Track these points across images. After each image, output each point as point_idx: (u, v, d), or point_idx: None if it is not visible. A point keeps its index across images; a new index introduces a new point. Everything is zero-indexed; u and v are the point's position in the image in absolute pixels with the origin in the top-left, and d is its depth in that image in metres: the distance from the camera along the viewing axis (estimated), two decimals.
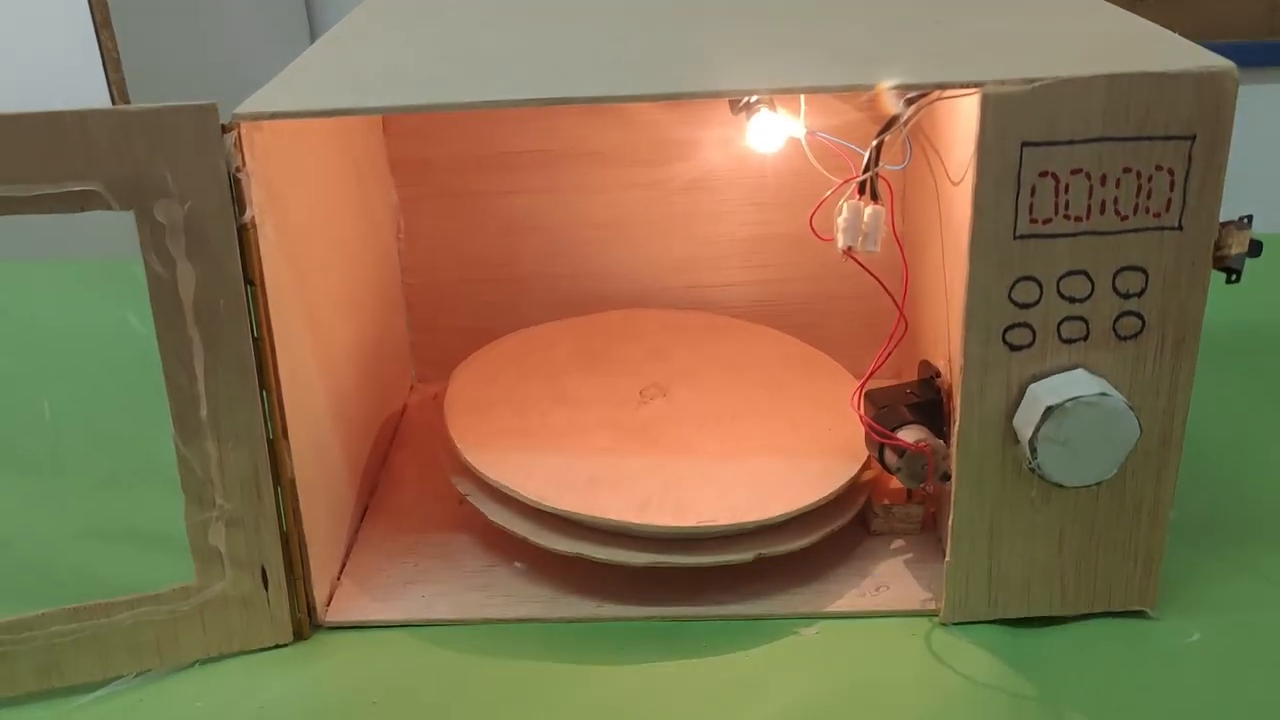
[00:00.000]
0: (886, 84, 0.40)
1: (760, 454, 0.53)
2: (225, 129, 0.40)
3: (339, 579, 0.52)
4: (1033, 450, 0.43)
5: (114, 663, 0.46)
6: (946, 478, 0.47)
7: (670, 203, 0.64)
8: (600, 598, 0.50)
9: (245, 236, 0.41)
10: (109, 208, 0.39)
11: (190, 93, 0.38)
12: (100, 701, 0.45)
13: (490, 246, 0.65)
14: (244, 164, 0.40)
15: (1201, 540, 0.52)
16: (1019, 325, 0.43)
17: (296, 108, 0.41)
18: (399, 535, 0.55)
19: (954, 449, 0.45)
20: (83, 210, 0.39)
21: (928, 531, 0.53)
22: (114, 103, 1.28)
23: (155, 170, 0.39)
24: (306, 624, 0.48)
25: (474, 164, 0.63)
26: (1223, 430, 0.61)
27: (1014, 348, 0.43)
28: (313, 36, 1.78)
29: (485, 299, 0.66)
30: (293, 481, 0.46)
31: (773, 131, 0.50)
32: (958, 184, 0.47)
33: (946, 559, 0.47)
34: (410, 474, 0.60)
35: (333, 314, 0.53)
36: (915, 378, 0.52)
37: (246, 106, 0.41)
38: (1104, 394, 0.42)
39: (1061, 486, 0.44)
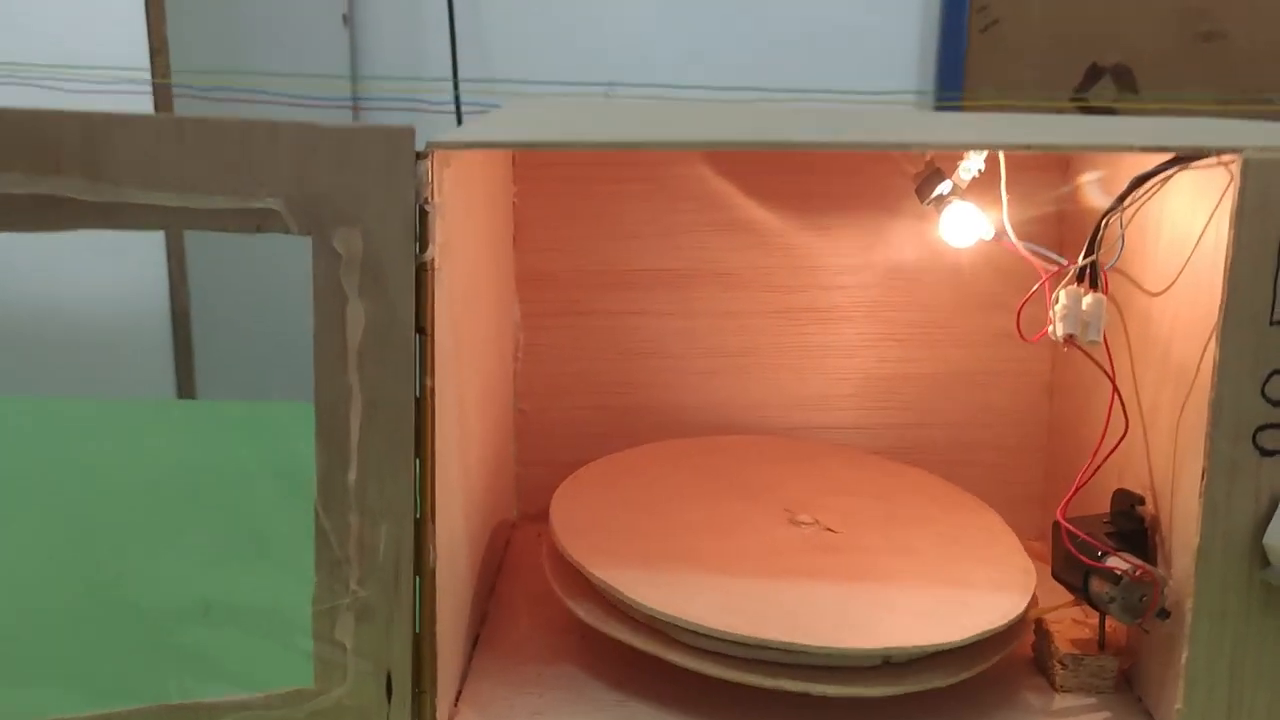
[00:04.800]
0: (1138, 146, 0.37)
1: (922, 583, 0.47)
2: (419, 156, 0.36)
3: (456, 705, 0.45)
4: None
5: None
6: (1166, 614, 0.42)
7: (804, 333, 0.61)
8: None
9: (423, 278, 0.37)
10: (286, 230, 0.35)
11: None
12: None
13: (608, 371, 0.61)
14: (433, 196, 0.37)
15: None
16: (1273, 426, 0.38)
17: (491, 139, 0.38)
18: (517, 666, 0.48)
19: (1189, 574, 0.40)
20: (258, 230, 0.35)
21: (1120, 691, 0.47)
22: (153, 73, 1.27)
23: (340, 194, 0.36)
24: None
25: (599, 281, 0.60)
26: None
27: (1265, 452, 0.39)
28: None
29: (596, 429, 0.61)
30: (434, 573, 0.40)
31: (969, 221, 0.46)
32: (1159, 293, 0.44)
33: (1178, 706, 0.41)
34: (521, 605, 0.53)
35: (474, 400, 0.48)
36: (1110, 509, 0.47)
37: (442, 136, 0.37)
38: None
39: None
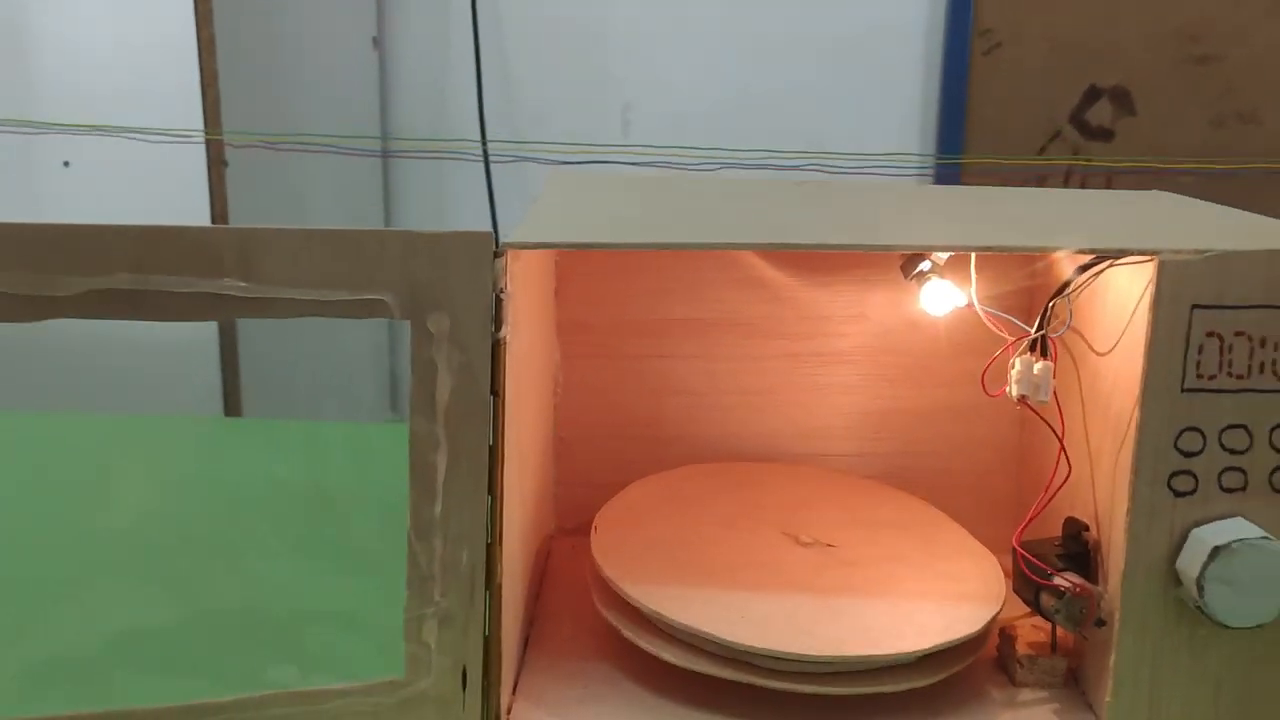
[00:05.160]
0: (1070, 248, 0.46)
1: (911, 595, 0.56)
2: (496, 254, 0.46)
3: (513, 694, 0.54)
4: (1200, 589, 0.46)
5: None
6: (1101, 623, 0.51)
7: (810, 374, 0.70)
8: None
9: (497, 351, 0.46)
10: (391, 316, 0.44)
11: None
12: None
13: (638, 406, 0.70)
14: (506, 286, 0.46)
15: None
16: (1183, 473, 0.47)
17: (555, 240, 0.47)
18: (562, 662, 0.57)
19: (1118, 591, 0.49)
20: (369, 316, 0.44)
21: (1068, 686, 0.56)
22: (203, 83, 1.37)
23: (434, 286, 0.45)
24: None
25: (631, 329, 0.69)
26: None
27: (1178, 494, 0.47)
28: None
29: (628, 456, 0.70)
30: (500, 586, 0.49)
31: (943, 296, 0.55)
32: (1104, 353, 0.52)
33: (1108, 699, 0.50)
34: (564, 611, 0.63)
35: (527, 441, 0.57)
36: (1061, 534, 0.56)
37: (514, 237, 0.46)
38: (1266, 538, 0.46)
39: (1226, 627, 0.47)
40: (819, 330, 0.69)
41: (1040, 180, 1.97)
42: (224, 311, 0.42)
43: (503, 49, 1.97)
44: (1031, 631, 0.57)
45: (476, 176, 1.90)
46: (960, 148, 1.97)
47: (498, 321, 0.46)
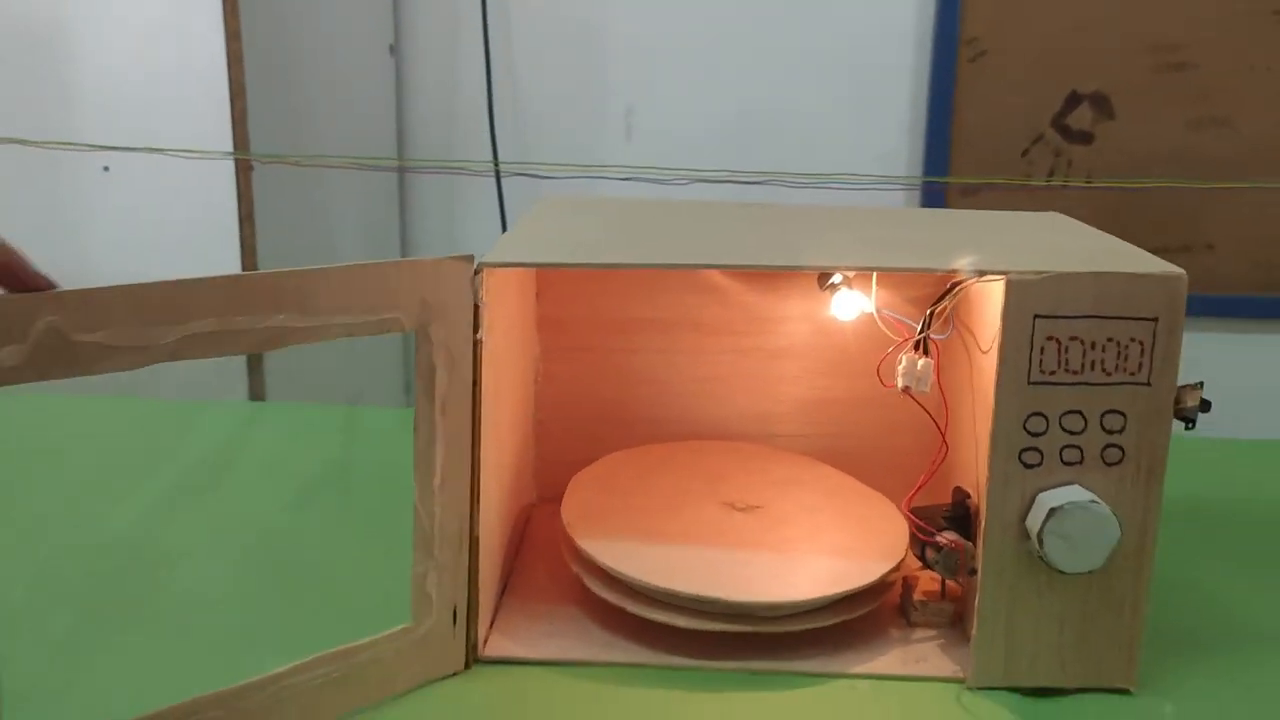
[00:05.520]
0: (940, 269, 0.57)
1: (826, 550, 0.67)
2: (476, 272, 0.57)
3: (490, 629, 0.66)
4: (1040, 542, 0.57)
5: (355, 697, 0.58)
6: (973, 572, 0.62)
7: (757, 366, 0.81)
8: (699, 654, 0.63)
9: (477, 350, 0.58)
10: (402, 330, 0.56)
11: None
12: None
13: (609, 393, 0.82)
14: (483, 298, 0.57)
15: (1178, 640, 0.66)
16: (1031, 449, 0.58)
17: (525, 260, 0.58)
18: (534, 605, 0.69)
19: (981, 547, 0.60)
20: (389, 332, 0.55)
21: (955, 628, 0.67)
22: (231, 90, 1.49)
23: (434, 303, 0.56)
24: (472, 658, 0.62)
25: (603, 326, 0.80)
26: (1206, 561, 0.75)
27: (1027, 466, 0.58)
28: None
29: (600, 436, 0.82)
30: (478, 539, 0.61)
31: (850, 304, 0.66)
32: (986, 351, 0.63)
33: (973, 633, 0.61)
34: (539, 564, 0.74)
35: (505, 425, 0.68)
36: (950, 500, 0.67)
37: (488, 258, 0.58)
38: (1094, 501, 0.57)
39: (1062, 573, 0.58)
40: (763, 329, 0.80)
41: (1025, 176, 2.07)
42: (283, 341, 0.52)
43: (511, 56, 2.08)
44: (928, 582, 0.68)
45: (487, 185, 2.01)
46: (947, 151, 2.08)
47: (476, 325, 0.58)
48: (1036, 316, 0.57)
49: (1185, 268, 0.57)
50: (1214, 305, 2.06)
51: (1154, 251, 0.60)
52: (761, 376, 0.81)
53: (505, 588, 0.71)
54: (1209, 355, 2.10)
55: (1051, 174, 2.07)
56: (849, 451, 0.81)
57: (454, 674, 0.62)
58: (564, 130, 2.09)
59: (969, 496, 0.65)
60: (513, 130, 2.07)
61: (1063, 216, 0.75)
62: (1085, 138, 2.06)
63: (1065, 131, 2.06)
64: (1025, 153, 2.07)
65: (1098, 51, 2.03)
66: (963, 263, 0.58)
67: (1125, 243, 0.64)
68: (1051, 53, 2.04)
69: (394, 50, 2.06)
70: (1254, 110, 2.02)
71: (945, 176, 2.06)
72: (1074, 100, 2.05)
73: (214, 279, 0.49)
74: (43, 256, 0.45)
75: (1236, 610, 0.71)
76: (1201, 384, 0.58)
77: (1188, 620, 0.69)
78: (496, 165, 2.00)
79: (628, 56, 2.09)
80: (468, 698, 0.60)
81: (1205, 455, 0.97)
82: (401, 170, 2.06)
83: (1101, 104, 2.05)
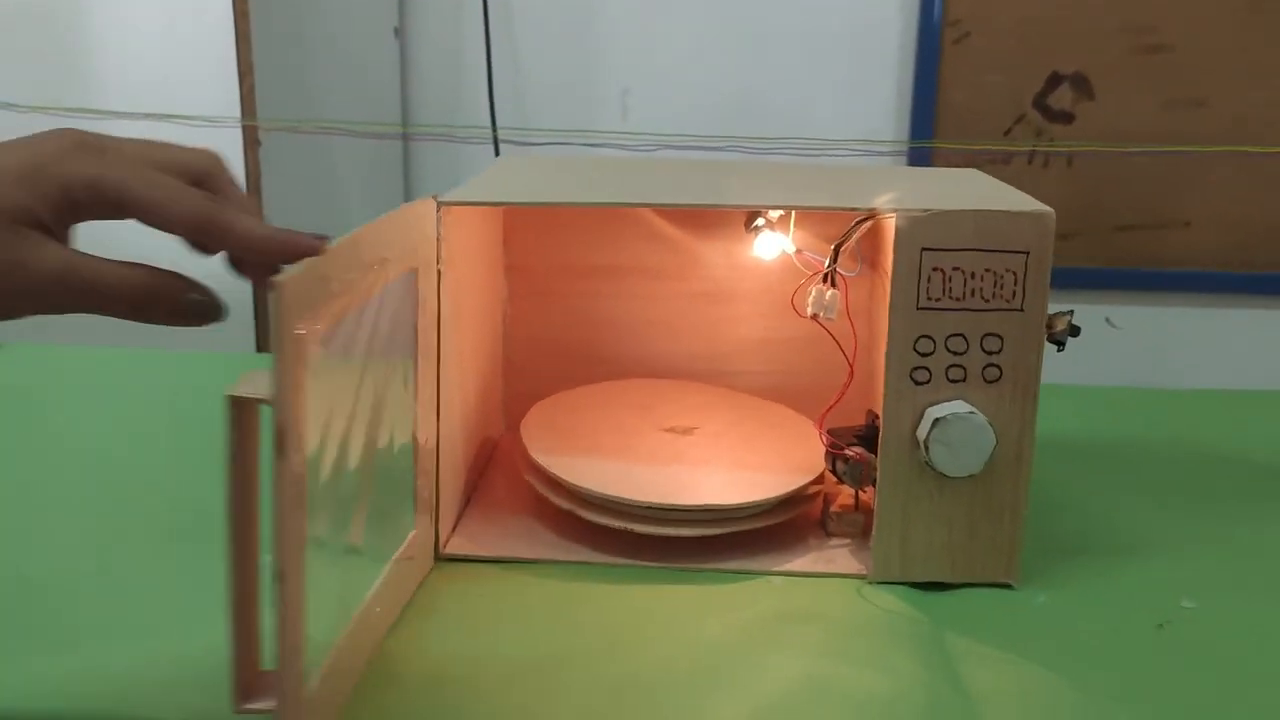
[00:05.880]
0: (847, 205, 0.65)
1: (754, 466, 0.75)
2: (438, 210, 0.65)
3: (452, 532, 0.74)
4: (926, 448, 0.65)
5: (399, 596, 0.65)
6: (873, 482, 0.70)
7: (704, 309, 0.89)
8: (636, 555, 0.72)
9: (440, 279, 0.66)
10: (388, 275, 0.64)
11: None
12: None
13: (571, 334, 0.90)
14: (441, 233, 0.65)
15: (1060, 547, 0.74)
16: (920, 368, 0.66)
17: (480, 199, 0.66)
18: (493, 514, 0.77)
19: (880, 458, 0.68)
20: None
21: (867, 536, 0.75)
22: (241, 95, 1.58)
23: (414, 238, 0.64)
24: (436, 554, 0.71)
25: (563, 272, 0.89)
26: (1085, 470, 0.84)
27: (917, 383, 0.66)
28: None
29: (563, 373, 0.90)
30: (437, 451, 0.69)
31: (771, 244, 0.74)
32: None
33: (873, 536, 0.69)
34: (502, 481, 0.82)
35: (469, 352, 0.77)
36: (864, 422, 0.75)
37: (445, 198, 0.66)
38: (972, 412, 0.65)
39: (947, 477, 0.66)
40: (709, 275, 0.88)
41: (1007, 157, 2.14)
42: None
43: (512, 37, 2.16)
44: (844, 496, 0.76)
45: (487, 157, 2.09)
46: (931, 130, 2.15)
47: (439, 258, 0.66)
48: (924, 249, 0.65)
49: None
50: (1190, 281, 2.12)
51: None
52: (711, 318, 0.89)
53: (469, 501, 0.79)
54: (1185, 329, 2.18)
55: (1033, 154, 2.14)
56: (790, 388, 0.89)
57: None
58: (563, 111, 2.17)
59: (878, 418, 0.73)
60: (513, 111, 2.16)
61: (979, 173, 0.82)
62: (1066, 118, 2.12)
63: (1046, 111, 2.12)
64: (1008, 132, 2.14)
65: (1078, 33, 2.10)
66: (859, 201, 0.66)
67: (1015, 190, 0.72)
68: (1033, 35, 2.10)
69: (399, 33, 2.14)
70: (1230, 91, 2.09)
71: (930, 149, 2.13)
72: (1055, 81, 2.12)
73: None
74: None
75: (1118, 526, 0.79)
76: (1071, 311, 0.66)
77: (1071, 532, 0.77)
78: (495, 135, 2.09)
79: (624, 39, 2.17)
80: (431, 584, 0.68)
81: (1146, 403, 1.06)
82: (405, 138, 2.15)
83: (1081, 84, 2.11)
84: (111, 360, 1.13)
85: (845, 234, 0.68)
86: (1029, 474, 0.67)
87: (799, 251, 0.75)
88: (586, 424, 0.80)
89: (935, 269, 0.65)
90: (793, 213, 0.74)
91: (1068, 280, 2.18)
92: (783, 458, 0.77)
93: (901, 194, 0.69)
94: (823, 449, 0.75)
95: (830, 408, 0.72)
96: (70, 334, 1.53)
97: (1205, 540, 0.76)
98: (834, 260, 0.69)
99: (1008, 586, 0.69)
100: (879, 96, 2.17)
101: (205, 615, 0.54)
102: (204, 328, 0.51)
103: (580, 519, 0.72)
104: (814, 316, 0.70)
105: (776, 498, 0.72)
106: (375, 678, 0.59)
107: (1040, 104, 2.13)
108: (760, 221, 0.75)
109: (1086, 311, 2.16)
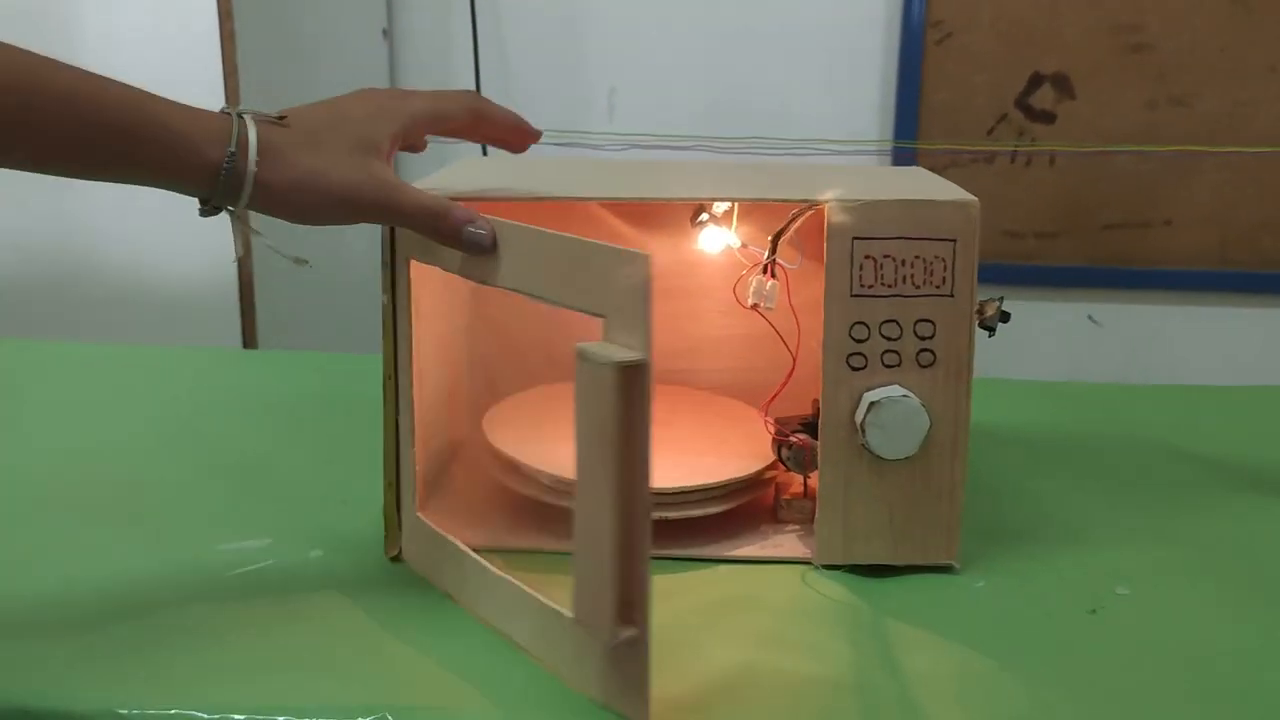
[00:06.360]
0: (776, 199, 0.67)
1: (706, 454, 0.77)
2: None
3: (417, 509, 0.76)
4: (862, 431, 0.67)
5: None
6: (816, 466, 0.72)
7: (660, 307, 0.90)
8: None
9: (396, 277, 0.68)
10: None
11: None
12: None
13: (536, 333, 0.91)
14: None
15: (1001, 533, 0.76)
16: (856, 354, 0.68)
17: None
18: (455, 494, 0.79)
19: (820, 442, 0.70)
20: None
21: (814, 521, 0.77)
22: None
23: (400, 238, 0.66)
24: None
25: None
26: (1038, 461, 0.86)
27: (854, 369, 0.68)
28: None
29: (529, 372, 0.92)
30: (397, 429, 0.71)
31: (716, 239, 0.76)
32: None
33: (816, 517, 0.71)
34: (465, 467, 0.84)
35: (434, 340, 0.79)
36: (810, 411, 0.77)
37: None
38: (906, 396, 0.67)
39: (884, 460, 0.68)
40: (666, 272, 0.90)
41: (990, 157, 2.15)
42: None
43: (500, 38, 2.18)
44: (797, 484, 0.78)
45: (475, 158, 2.11)
46: (915, 130, 2.16)
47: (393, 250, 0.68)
48: (855, 238, 0.66)
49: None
50: (1171, 279, 2.14)
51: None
52: (667, 316, 0.91)
53: (438, 480, 0.81)
54: (1166, 326, 2.20)
55: (1015, 153, 2.15)
56: (747, 385, 0.90)
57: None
58: (550, 111, 2.19)
59: None
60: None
61: (923, 170, 0.84)
62: (1048, 117, 2.14)
63: (1029, 111, 2.14)
64: (990, 131, 2.15)
65: (1059, 33, 2.12)
66: (795, 194, 0.68)
67: (950, 184, 0.73)
68: (1015, 35, 2.12)
69: (387, 34, 2.16)
70: (1210, 91, 2.10)
71: (913, 149, 2.15)
72: (1036, 81, 2.13)
73: None
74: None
75: (1062, 515, 0.80)
76: (1002, 298, 0.68)
77: (1016, 520, 0.79)
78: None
79: (610, 40, 2.19)
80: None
81: (1108, 398, 1.08)
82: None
83: (1063, 84, 2.13)
84: (98, 356, 1.15)
85: (784, 225, 0.70)
86: (966, 456, 0.69)
87: (744, 246, 0.77)
88: (548, 416, 0.82)
89: (867, 257, 0.67)
90: (735, 206, 0.76)
91: (1050, 278, 2.21)
92: (732, 447, 0.79)
93: (839, 188, 0.71)
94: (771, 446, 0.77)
95: (774, 396, 0.74)
96: (58, 330, 1.55)
97: (1144, 530, 0.78)
98: (773, 251, 0.71)
99: (949, 569, 0.71)
100: (863, 97, 2.18)
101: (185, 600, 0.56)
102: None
103: (535, 510, 0.74)
104: (754, 306, 0.72)
105: (723, 482, 0.74)
106: None
107: (1022, 104, 2.14)
108: (704, 216, 0.77)
109: (1069, 309, 2.20)
